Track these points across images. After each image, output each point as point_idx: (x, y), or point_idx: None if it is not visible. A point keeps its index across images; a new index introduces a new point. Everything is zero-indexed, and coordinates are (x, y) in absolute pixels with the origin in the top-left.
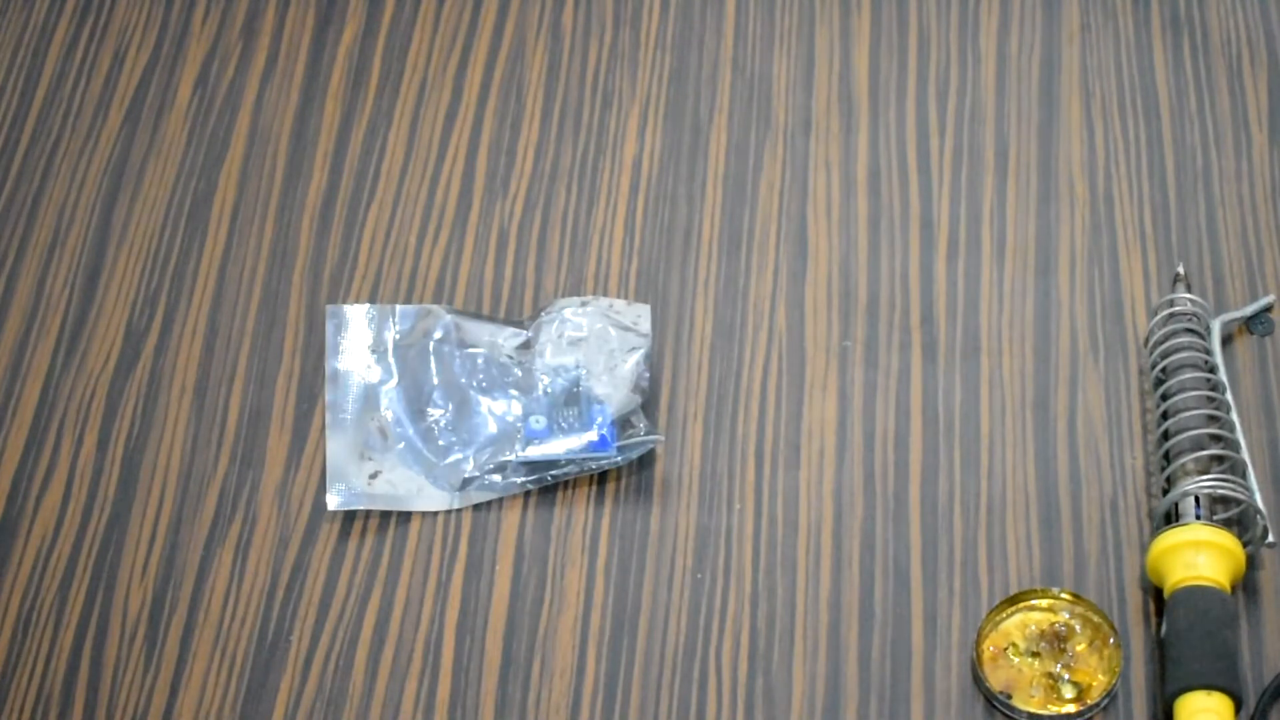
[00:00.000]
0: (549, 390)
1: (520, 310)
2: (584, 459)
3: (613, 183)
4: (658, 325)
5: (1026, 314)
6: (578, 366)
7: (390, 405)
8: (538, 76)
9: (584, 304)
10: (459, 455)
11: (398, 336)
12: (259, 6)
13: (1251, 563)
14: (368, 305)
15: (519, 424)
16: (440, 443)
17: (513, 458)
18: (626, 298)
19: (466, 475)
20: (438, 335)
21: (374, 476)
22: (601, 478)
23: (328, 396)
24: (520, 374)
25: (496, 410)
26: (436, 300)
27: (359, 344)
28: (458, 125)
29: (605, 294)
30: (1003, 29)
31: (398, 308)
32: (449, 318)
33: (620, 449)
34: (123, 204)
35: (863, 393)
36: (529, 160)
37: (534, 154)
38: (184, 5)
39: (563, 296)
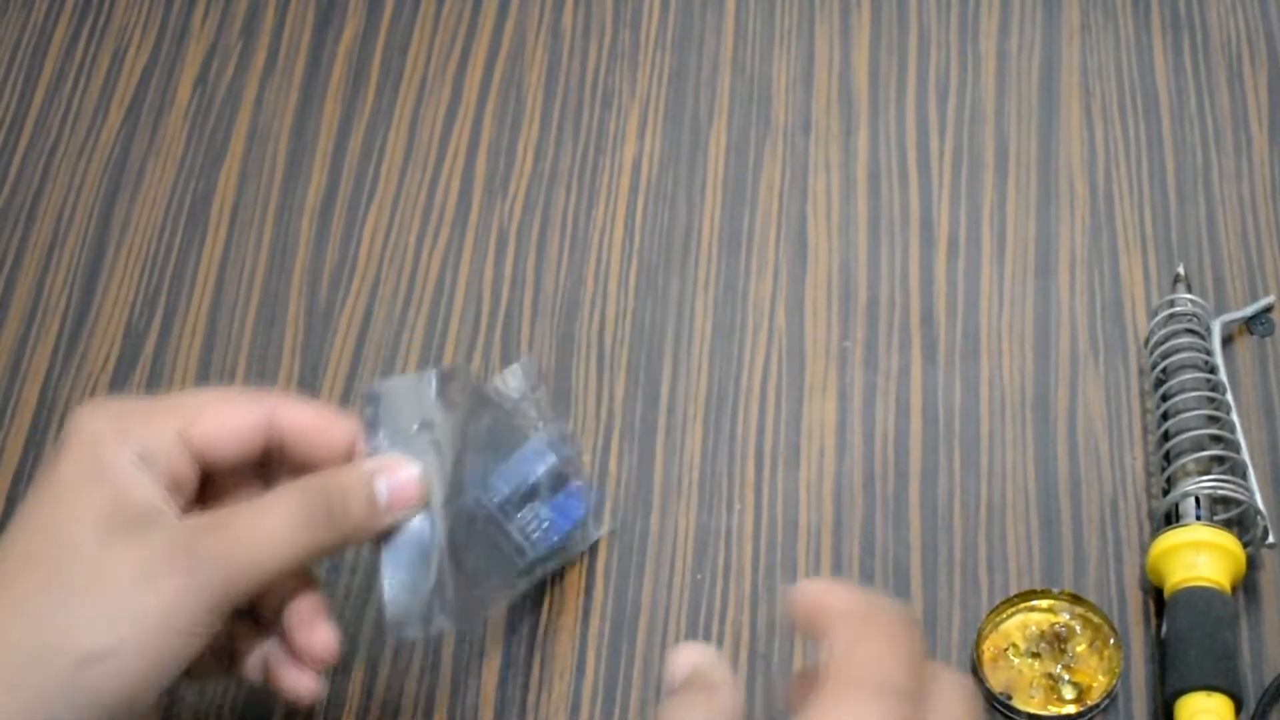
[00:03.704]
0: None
1: (518, 317)
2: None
3: (612, 183)
4: (657, 326)
5: (1026, 314)
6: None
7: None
8: (537, 77)
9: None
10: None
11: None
12: (258, 6)
13: (1252, 563)
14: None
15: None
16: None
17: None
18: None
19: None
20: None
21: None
22: (601, 477)
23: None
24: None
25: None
26: (436, 302)
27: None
28: (457, 125)
29: (604, 292)
30: (1002, 29)
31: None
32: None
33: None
34: (122, 204)
35: (862, 393)
36: (529, 160)
37: (534, 154)
38: (183, 5)
39: (524, 354)
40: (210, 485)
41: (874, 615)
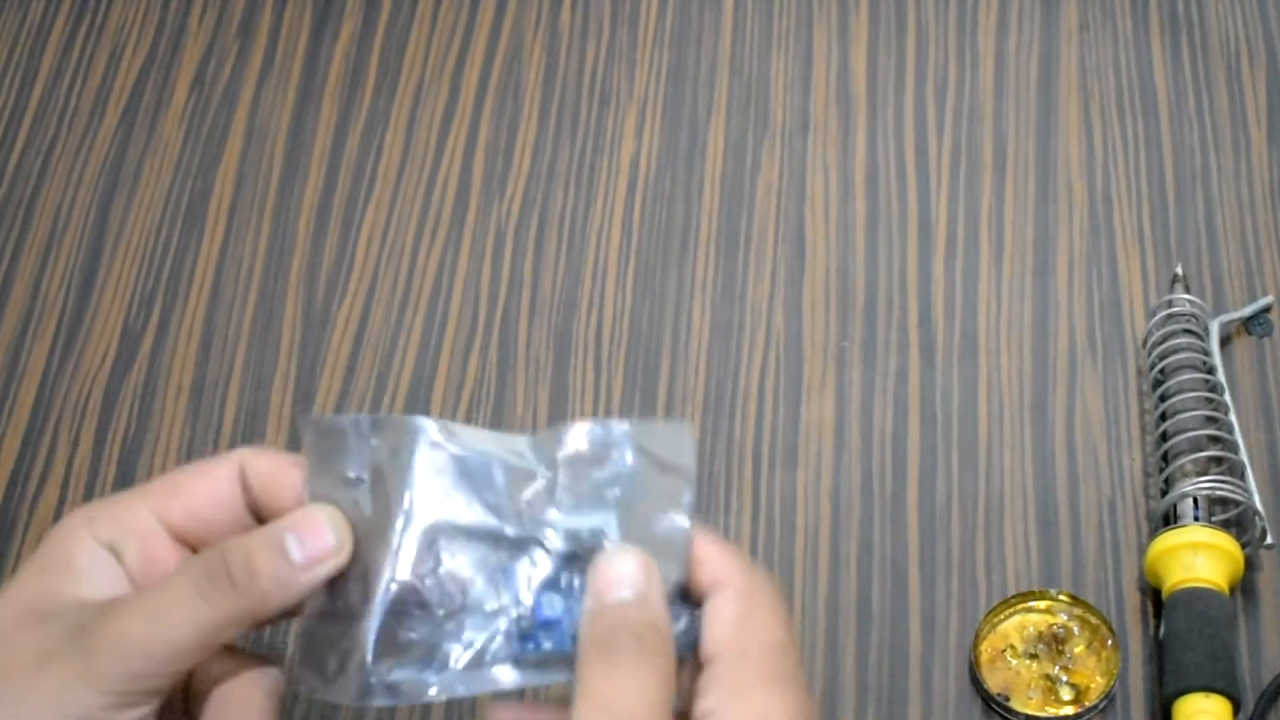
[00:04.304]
0: (556, 551)
1: (515, 317)
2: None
3: (610, 183)
4: (655, 326)
5: (1025, 315)
6: (598, 532)
7: None
8: (535, 76)
9: (610, 431)
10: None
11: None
12: (256, 6)
13: (1250, 564)
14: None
15: (524, 608)
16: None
17: (506, 658)
18: (663, 416)
19: (462, 640)
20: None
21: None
22: None
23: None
24: (524, 530)
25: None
26: (433, 302)
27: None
28: (455, 125)
29: (602, 292)
30: (1001, 28)
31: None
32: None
33: None
34: (119, 203)
35: (860, 394)
36: (526, 160)
37: (531, 154)
38: (181, 4)
39: (585, 420)
40: None
41: (760, 592)
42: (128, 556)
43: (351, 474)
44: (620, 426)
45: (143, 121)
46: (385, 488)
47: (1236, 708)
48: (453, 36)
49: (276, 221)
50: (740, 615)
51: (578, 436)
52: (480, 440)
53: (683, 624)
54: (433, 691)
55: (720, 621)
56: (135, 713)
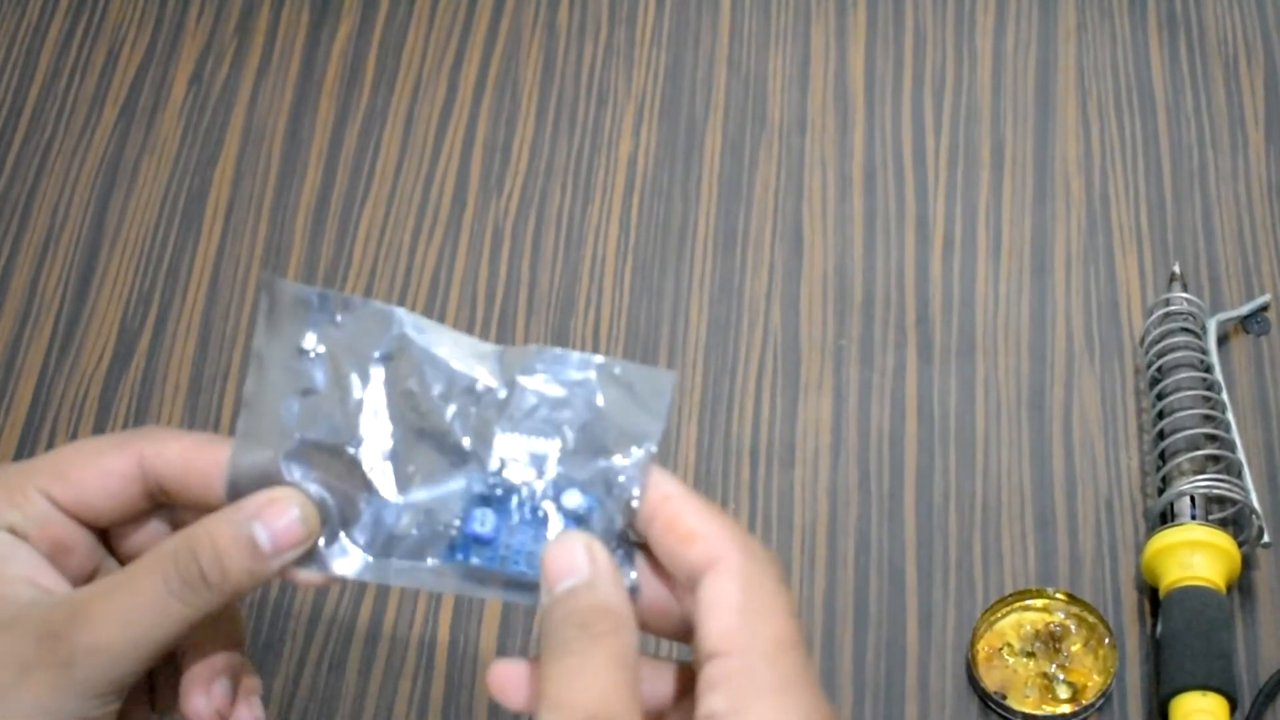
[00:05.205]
0: (500, 474)
1: (513, 315)
2: (520, 583)
3: (608, 180)
4: (652, 323)
5: (1022, 313)
6: (539, 459)
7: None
8: (533, 74)
9: (582, 363)
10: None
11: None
12: (253, 3)
13: (1247, 563)
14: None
15: (455, 517)
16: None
17: (434, 560)
18: (639, 345)
19: (395, 531)
20: (376, 354)
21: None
22: None
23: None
24: (471, 441)
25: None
26: (431, 300)
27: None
28: (453, 123)
29: (599, 290)
30: (999, 28)
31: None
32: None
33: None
34: (117, 201)
35: (858, 392)
36: (524, 158)
37: (529, 152)
38: (178, 2)
39: (559, 347)
40: (120, 539)
41: (763, 577)
42: (32, 538)
43: (307, 346)
44: (595, 360)
45: (140, 119)
46: (342, 367)
47: (1233, 706)
48: (450, 34)
49: (274, 219)
50: (745, 606)
51: (545, 360)
52: (450, 342)
53: (625, 572)
54: (365, 572)
55: (722, 611)
56: (115, 703)
